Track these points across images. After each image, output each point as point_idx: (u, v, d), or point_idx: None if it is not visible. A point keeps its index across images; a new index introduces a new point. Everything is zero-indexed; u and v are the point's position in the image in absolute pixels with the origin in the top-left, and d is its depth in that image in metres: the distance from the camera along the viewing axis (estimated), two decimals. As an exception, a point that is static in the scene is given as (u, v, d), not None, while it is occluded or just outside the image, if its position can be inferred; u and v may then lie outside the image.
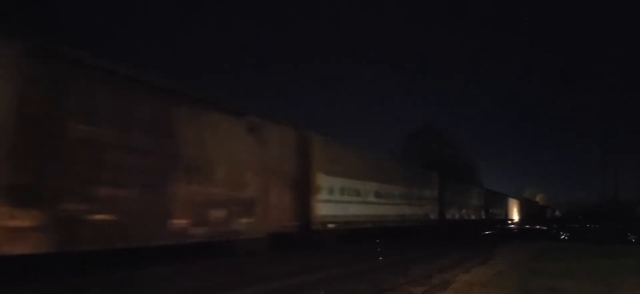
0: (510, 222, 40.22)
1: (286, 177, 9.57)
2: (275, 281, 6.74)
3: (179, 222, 6.70)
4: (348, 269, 8.40)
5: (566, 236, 24.08)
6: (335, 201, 11.45)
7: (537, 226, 35.43)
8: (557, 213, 67.25)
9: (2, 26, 5.15)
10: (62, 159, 5.27)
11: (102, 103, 5.76)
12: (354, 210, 12.49)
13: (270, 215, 8.85)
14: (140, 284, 6.08)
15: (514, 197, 44.51)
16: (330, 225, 11.11)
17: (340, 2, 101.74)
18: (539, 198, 75.04)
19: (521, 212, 45.51)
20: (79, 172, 5.43)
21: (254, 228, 8.26)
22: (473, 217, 26.92)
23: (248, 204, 8.22)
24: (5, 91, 4.89)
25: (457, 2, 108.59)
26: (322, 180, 10.87)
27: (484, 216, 29.41)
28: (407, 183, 16.55)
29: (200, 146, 7.21)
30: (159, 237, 6.44)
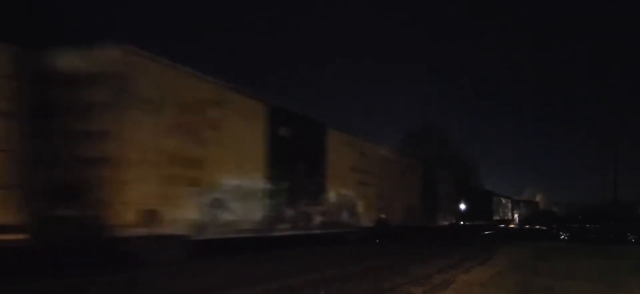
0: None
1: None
2: (274, 281, 6.74)
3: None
4: (348, 268, 8.40)
5: (566, 236, 24.09)
6: None
7: (537, 226, 35.40)
8: (555, 208, 64.96)
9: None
10: None
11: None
12: None
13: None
14: (140, 284, 6.09)
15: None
16: None
17: (339, 1, 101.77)
18: (538, 198, 74.96)
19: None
20: None
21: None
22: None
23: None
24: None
25: (458, 1, 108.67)
26: None
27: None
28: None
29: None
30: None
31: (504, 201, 40.05)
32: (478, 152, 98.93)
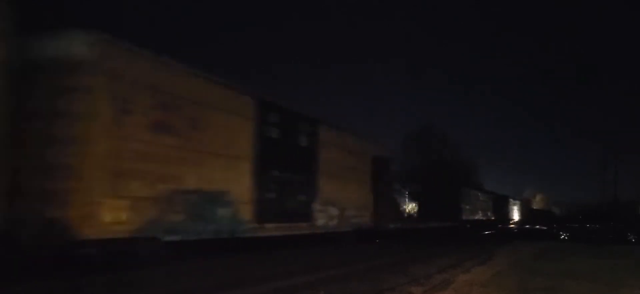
0: None
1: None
2: (274, 281, 6.73)
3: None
4: (348, 268, 8.39)
5: (566, 236, 24.10)
6: None
7: (537, 227, 35.27)
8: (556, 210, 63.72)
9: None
10: None
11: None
12: None
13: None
14: (140, 285, 6.07)
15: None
16: None
17: (340, 3, 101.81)
18: (539, 198, 74.92)
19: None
20: None
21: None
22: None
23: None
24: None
25: (458, 2, 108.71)
26: None
27: None
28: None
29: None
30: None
31: (482, 197, 31.75)
32: (479, 153, 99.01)
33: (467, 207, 27.00)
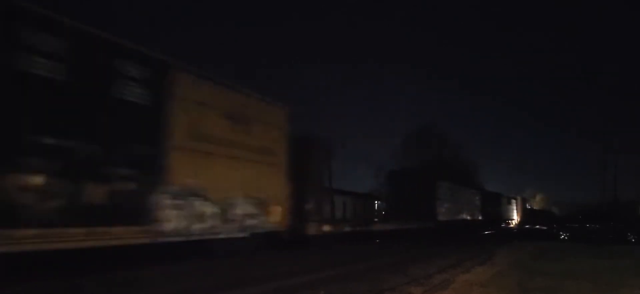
0: None
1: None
2: (274, 281, 6.73)
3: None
4: (348, 268, 8.39)
5: (566, 236, 24.11)
6: None
7: (537, 227, 35.17)
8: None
9: None
10: None
11: None
12: None
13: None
14: (139, 285, 6.07)
15: None
16: None
17: (340, 3, 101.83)
18: (538, 198, 74.95)
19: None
20: None
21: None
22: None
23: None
24: None
25: (458, 2, 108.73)
26: None
27: None
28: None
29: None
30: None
31: (466, 194, 27.51)
32: (479, 153, 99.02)
33: (446, 206, 22.82)
